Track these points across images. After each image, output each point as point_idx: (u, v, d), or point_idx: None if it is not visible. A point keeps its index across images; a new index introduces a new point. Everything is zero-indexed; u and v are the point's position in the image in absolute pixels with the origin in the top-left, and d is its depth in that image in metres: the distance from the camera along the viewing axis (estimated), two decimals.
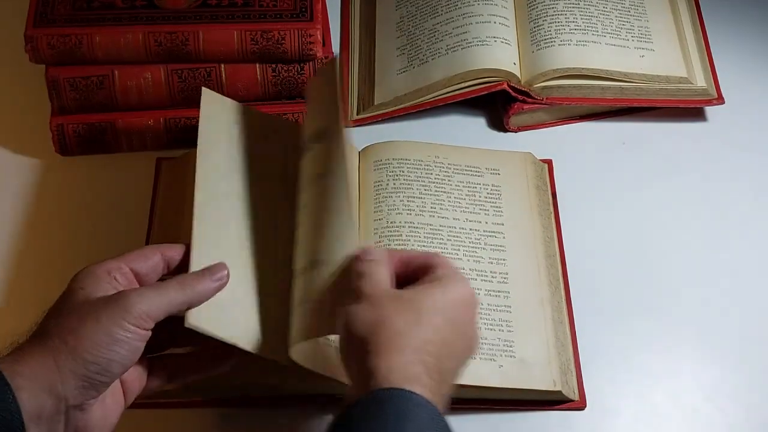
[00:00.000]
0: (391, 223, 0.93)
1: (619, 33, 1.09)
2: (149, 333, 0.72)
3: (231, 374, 0.81)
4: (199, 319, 0.75)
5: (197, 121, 0.99)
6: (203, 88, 0.91)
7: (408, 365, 0.68)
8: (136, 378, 0.76)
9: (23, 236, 0.98)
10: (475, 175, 0.98)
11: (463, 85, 1.05)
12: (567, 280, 0.94)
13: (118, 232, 0.97)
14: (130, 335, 0.71)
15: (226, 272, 0.78)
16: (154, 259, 0.77)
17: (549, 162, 1.02)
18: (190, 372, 0.79)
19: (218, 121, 0.90)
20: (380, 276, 0.74)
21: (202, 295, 0.76)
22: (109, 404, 0.73)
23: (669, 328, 0.92)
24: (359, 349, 0.70)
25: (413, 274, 0.75)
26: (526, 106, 1.05)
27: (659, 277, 0.95)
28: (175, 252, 0.79)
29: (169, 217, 0.97)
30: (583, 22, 1.09)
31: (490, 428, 0.85)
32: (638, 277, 0.95)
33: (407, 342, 0.69)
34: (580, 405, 0.87)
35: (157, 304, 0.72)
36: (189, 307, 0.75)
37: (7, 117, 1.07)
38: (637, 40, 1.09)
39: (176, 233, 0.94)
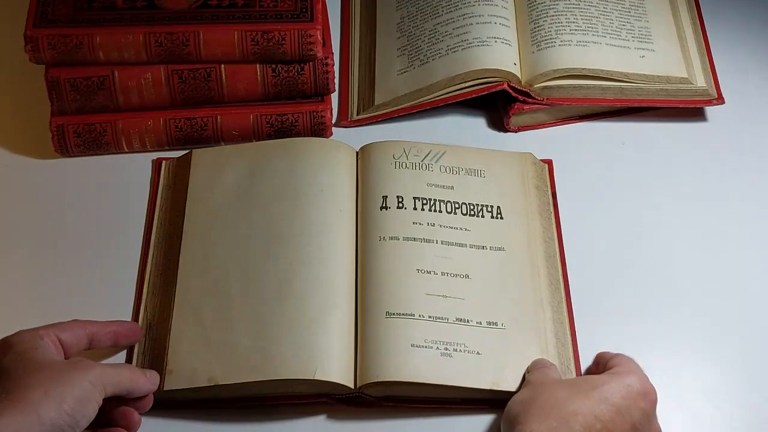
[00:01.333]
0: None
1: (619, 33, 1.09)
2: (100, 403, 0.77)
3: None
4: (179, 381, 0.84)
5: (197, 121, 1.01)
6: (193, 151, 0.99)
7: (551, 429, 0.73)
8: None
9: (23, 236, 0.98)
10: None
11: (463, 85, 1.05)
12: (567, 280, 0.94)
13: (118, 233, 0.97)
14: (97, 399, 0.76)
15: (158, 382, 0.83)
16: (79, 333, 0.82)
17: (549, 162, 1.02)
18: None
19: (206, 171, 0.97)
20: (549, 372, 0.82)
21: (140, 389, 0.81)
22: None
23: (669, 328, 0.92)
24: (510, 424, 0.75)
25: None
26: (526, 107, 1.05)
27: (659, 277, 0.95)
28: (98, 328, 0.84)
29: (168, 217, 0.97)
30: (583, 23, 1.09)
31: (488, 428, 0.86)
32: (638, 278, 0.95)
33: (557, 411, 0.74)
34: None
35: (115, 380, 0.78)
36: (126, 393, 0.80)
37: (7, 117, 1.07)
38: (638, 41, 1.09)
39: (174, 234, 0.94)
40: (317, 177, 0.96)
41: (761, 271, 0.96)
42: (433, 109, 1.06)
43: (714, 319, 0.93)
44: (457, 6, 1.09)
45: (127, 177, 1.01)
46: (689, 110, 1.07)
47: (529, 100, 1.05)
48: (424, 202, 0.94)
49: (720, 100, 1.06)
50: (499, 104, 1.07)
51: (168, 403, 0.85)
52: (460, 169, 0.97)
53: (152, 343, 0.88)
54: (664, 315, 0.93)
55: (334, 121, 1.06)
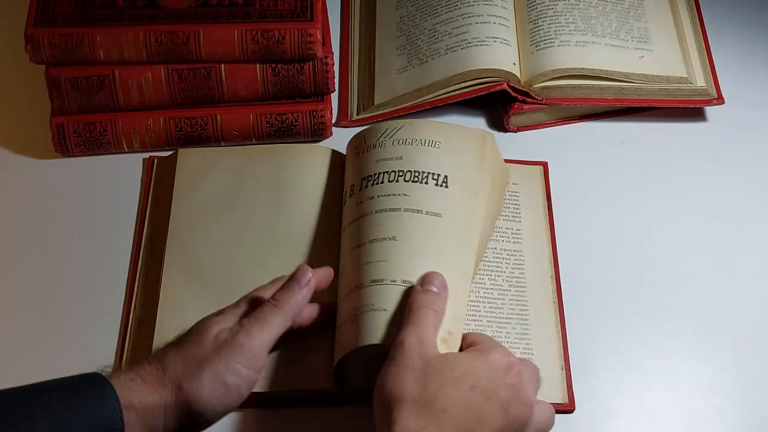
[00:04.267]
0: None
1: (618, 33, 1.09)
2: (258, 376, 0.76)
3: None
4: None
5: (197, 120, 1.01)
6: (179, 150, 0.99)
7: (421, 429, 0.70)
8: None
9: (23, 236, 0.98)
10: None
11: (462, 85, 1.05)
12: (559, 280, 0.94)
13: (118, 232, 0.97)
14: (242, 381, 0.74)
15: (310, 273, 0.81)
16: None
17: (544, 164, 1.02)
18: None
19: (192, 170, 0.98)
20: (427, 350, 0.76)
21: (299, 306, 0.79)
22: None
23: (668, 328, 0.92)
24: (386, 406, 0.72)
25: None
26: (525, 107, 1.05)
27: (659, 276, 0.95)
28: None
29: (157, 216, 0.97)
30: (582, 23, 1.09)
31: None
32: (638, 277, 0.95)
33: (430, 407, 0.71)
34: (569, 408, 0.87)
35: (264, 336, 0.76)
36: (292, 324, 0.79)
37: (7, 117, 1.07)
38: (637, 41, 1.09)
39: (159, 232, 0.94)
40: (301, 181, 0.97)
41: (759, 270, 0.96)
42: (433, 109, 1.06)
43: (713, 319, 0.93)
44: (457, 6, 1.09)
45: (126, 177, 1.01)
46: (689, 110, 1.07)
47: (529, 100, 1.05)
48: (369, 179, 0.91)
49: (720, 100, 1.06)
50: (498, 104, 1.07)
51: None
52: (414, 140, 0.93)
53: (143, 341, 0.88)
54: (663, 314, 0.93)
55: (333, 121, 1.06)
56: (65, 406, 0.68)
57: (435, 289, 0.80)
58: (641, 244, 0.98)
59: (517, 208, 0.97)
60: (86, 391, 0.70)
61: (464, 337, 0.81)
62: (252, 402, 0.86)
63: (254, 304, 0.80)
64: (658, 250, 0.97)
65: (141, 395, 0.72)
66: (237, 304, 0.81)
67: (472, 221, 0.88)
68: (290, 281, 0.81)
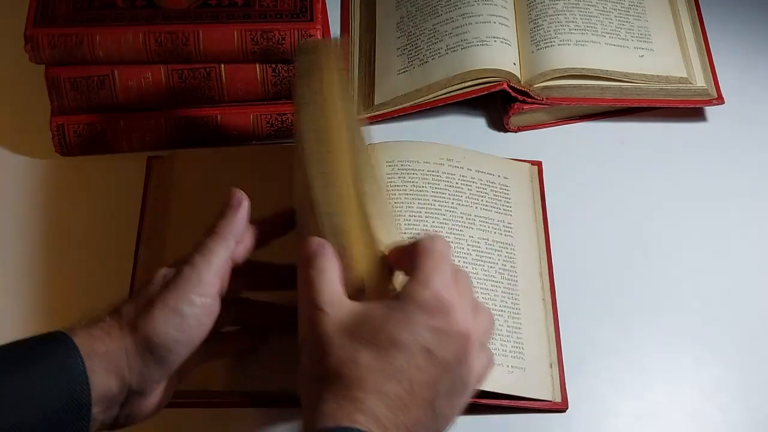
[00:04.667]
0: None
1: (618, 33, 1.09)
2: (216, 302, 0.73)
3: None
4: None
5: (197, 121, 1.01)
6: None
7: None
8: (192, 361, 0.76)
9: (23, 236, 0.98)
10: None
11: (463, 85, 1.05)
12: (552, 278, 0.94)
13: (118, 232, 0.97)
14: (196, 309, 0.72)
15: (239, 193, 0.77)
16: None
17: (538, 164, 1.02)
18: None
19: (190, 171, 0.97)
20: (332, 286, 0.70)
21: (238, 227, 0.76)
22: (162, 391, 0.74)
23: (668, 326, 0.92)
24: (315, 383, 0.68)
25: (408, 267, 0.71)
26: (526, 106, 1.05)
27: (660, 275, 0.95)
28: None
29: (158, 215, 0.97)
30: (582, 22, 1.09)
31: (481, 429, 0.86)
32: (639, 275, 0.95)
33: (361, 387, 0.66)
34: (561, 407, 0.87)
35: (209, 263, 0.74)
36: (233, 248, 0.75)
37: (7, 117, 1.07)
38: (637, 40, 1.09)
39: (165, 231, 0.94)
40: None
41: (760, 270, 0.96)
42: (433, 109, 1.06)
43: (714, 319, 0.93)
44: (457, 5, 1.09)
45: (126, 177, 1.01)
46: (689, 110, 1.07)
47: (529, 99, 1.05)
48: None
49: (720, 100, 1.06)
50: (498, 104, 1.07)
51: None
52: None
53: None
54: (664, 313, 0.93)
55: None
56: (26, 361, 0.68)
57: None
58: (642, 243, 0.98)
59: (508, 202, 0.97)
60: (47, 345, 0.69)
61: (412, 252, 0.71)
62: (252, 402, 0.86)
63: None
64: (658, 248, 0.97)
65: (100, 342, 0.70)
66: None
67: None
68: (223, 207, 0.78)
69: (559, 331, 0.90)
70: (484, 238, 0.94)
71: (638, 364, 0.90)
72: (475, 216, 0.95)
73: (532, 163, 1.02)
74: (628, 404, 0.88)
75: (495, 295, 0.90)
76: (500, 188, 0.98)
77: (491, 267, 0.92)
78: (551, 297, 0.92)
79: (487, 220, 0.95)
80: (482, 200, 0.96)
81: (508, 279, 0.92)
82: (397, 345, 0.66)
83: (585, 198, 1.01)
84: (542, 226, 0.97)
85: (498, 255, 0.93)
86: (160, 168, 1.00)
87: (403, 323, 0.67)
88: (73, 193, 1.01)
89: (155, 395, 0.73)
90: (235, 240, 0.76)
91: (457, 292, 0.69)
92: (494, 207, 0.96)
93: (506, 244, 0.94)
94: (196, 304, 0.72)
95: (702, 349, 0.91)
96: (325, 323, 0.68)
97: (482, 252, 0.93)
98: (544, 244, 0.96)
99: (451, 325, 0.67)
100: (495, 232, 0.95)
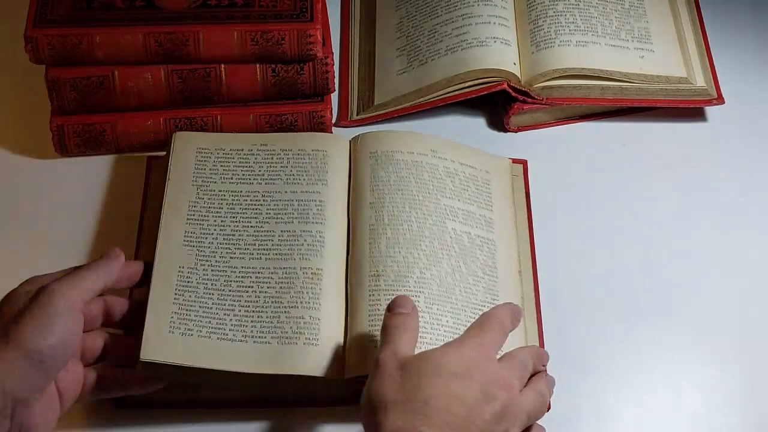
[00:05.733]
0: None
1: (618, 33, 1.09)
2: (81, 317, 0.77)
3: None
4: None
5: (197, 121, 1.01)
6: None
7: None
8: (72, 383, 0.79)
9: (23, 236, 0.98)
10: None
11: (463, 85, 1.05)
12: (536, 278, 0.93)
13: (118, 232, 0.97)
14: (65, 316, 0.75)
15: (118, 252, 0.83)
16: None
17: (524, 162, 1.02)
18: (121, 387, 0.83)
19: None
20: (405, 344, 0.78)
21: (111, 274, 0.81)
22: (48, 406, 0.76)
23: (669, 329, 0.92)
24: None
25: None
26: (526, 107, 1.05)
27: (660, 276, 0.95)
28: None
29: (157, 215, 0.96)
30: (582, 23, 1.09)
31: None
32: (639, 277, 0.95)
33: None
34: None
35: (73, 280, 0.78)
36: (104, 287, 0.81)
37: (7, 117, 1.07)
38: (637, 41, 1.09)
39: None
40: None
41: (760, 271, 0.96)
42: (432, 109, 1.06)
43: (713, 319, 0.93)
44: (457, 6, 1.09)
45: (126, 177, 1.02)
46: (689, 110, 1.07)
47: (529, 100, 1.05)
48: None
49: (720, 100, 1.06)
50: (498, 104, 1.07)
51: (152, 404, 0.86)
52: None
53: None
54: (664, 315, 0.93)
55: (333, 121, 1.06)
56: None
57: (405, 311, 0.81)
58: (642, 243, 0.98)
59: (489, 197, 0.97)
60: None
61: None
62: (252, 402, 0.86)
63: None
64: (659, 249, 0.97)
65: None
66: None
67: None
68: (106, 257, 0.83)
69: (542, 331, 0.90)
70: (466, 232, 0.93)
71: (638, 367, 0.90)
72: (458, 209, 0.94)
73: (516, 161, 1.01)
74: (628, 406, 0.87)
75: (476, 290, 0.90)
76: (482, 182, 0.97)
77: (473, 262, 0.91)
78: (536, 297, 0.92)
79: (469, 214, 0.94)
80: (465, 193, 0.96)
81: (489, 275, 0.91)
82: (460, 375, 0.75)
83: (584, 198, 1.01)
84: (526, 224, 0.97)
85: (480, 250, 0.92)
86: (159, 167, 1.00)
87: (464, 359, 0.77)
88: (73, 194, 1.01)
89: (44, 406, 0.75)
90: (103, 282, 0.81)
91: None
92: (476, 201, 0.96)
93: (487, 239, 0.94)
94: (63, 308, 0.76)
95: (702, 352, 0.91)
96: (397, 363, 0.77)
97: (465, 246, 0.92)
98: (528, 243, 0.96)
99: (496, 374, 0.76)
100: (477, 227, 0.94)
